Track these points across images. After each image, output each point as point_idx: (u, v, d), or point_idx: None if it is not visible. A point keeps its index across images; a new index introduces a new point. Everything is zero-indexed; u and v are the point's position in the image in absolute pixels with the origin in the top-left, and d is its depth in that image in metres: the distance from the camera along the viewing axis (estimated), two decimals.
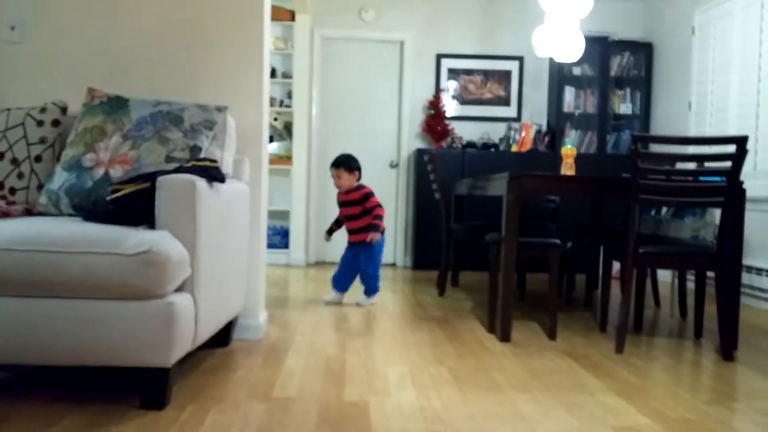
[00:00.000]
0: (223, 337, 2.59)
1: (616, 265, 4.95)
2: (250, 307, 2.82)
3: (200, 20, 2.82)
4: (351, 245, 3.92)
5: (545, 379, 2.36)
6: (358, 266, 3.87)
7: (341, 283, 3.91)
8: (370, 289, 3.88)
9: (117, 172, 2.23)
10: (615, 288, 4.56)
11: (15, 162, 2.35)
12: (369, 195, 3.86)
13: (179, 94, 2.78)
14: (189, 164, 2.20)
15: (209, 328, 2.15)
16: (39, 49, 2.80)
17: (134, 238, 1.81)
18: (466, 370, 2.45)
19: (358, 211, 3.85)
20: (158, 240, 1.81)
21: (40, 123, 2.41)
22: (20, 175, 2.34)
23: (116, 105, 2.39)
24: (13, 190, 2.32)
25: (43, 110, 2.44)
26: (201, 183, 2.01)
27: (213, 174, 2.16)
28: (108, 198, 2.08)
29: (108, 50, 2.80)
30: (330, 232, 4.02)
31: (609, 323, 3.38)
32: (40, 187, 2.34)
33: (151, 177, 2.04)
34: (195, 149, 2.33)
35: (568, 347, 2.90)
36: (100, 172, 2.25)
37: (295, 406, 1.96)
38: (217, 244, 2.20)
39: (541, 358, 2.68)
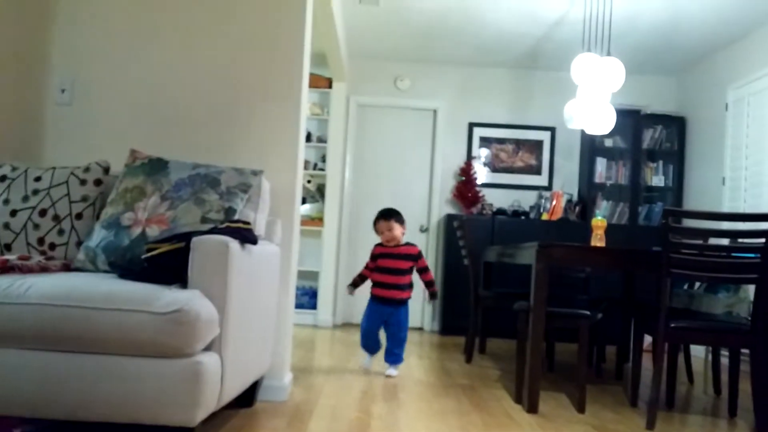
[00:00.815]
0: (247, 397, 2.59)
1: (648, 338, 4.84)
2: (276, 368, 2.83)
3: (241, 86, 2.96)
4: (383, 302, 3.69)
5: None
6: (392, 329, 3.68)
7: (374, 344, 3.74)
8: (400, 358, 3.69)
9: (153, 232, 2.30)
10: (647, 361, 4.44)
11: (57, 219, 2.45)
12: (421, 253, 3.80)
13: (218, 157, 2.89)
14: (223, 225, 2.27)
15: (235, 388, 2.16)
16: (86, 111, 2.96)
17: (166, 296, 1.86)
18: None
19: (408, 266, 3.72)
20: (189, 299, 1.85)
21: (83, 182, 2.52)
22: (61, 232, 2.43)
23: (156, 166, 2.50)
24: (53, 246, 2.41)
25: (86, 170, 2.55)
26: (234, 244, 2.07)
27: (245, 235, 2.22)
28: (143, 256, 2.15)
29: (151, 113, 2.95)
30: (355, 285, 3.84)
31: (640, 398, 3.28)
32: (79, 243, 2.43)
33: (186, 237, 2.11)
34: (230, 211, 2.40)
35: (596, 421, 2.82)
36: (137, 231, 2.33)
37: None
38: (247, 304, 2.24)
39: (568, 431, 2.61)
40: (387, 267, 3.71)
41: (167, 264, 2.11)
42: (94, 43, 2.98)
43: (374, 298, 3.73)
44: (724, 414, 3.17)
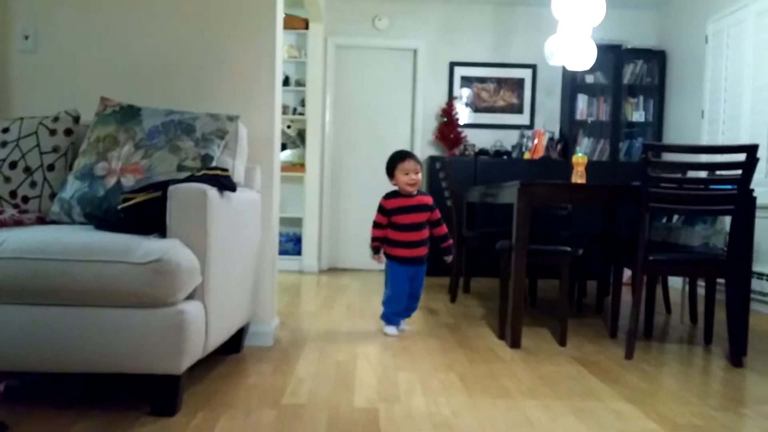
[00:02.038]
0: (234, 343, 2.62)
1: (628, 272, 4.93)
2: (262, 314, 2.85)
3: (212, 30, 2.87)
4: (407, 263, 3.21)
5: (555, 386, 2.36)
6: (415, 287, 3.28)
7: (398, 309, 3.26)
8: (410, 313, 3.38)
9: (129, 181, 2.27)
10: (626, 295, 4.54)
11: (28, 171, 2.40)
12: (433, 202, 3.31)
13: (192, 104, 2.83)
14: (200, 173, 2.24)
15: (220, 335, 2.18)
16: (52, 58, 2.87)
17: (145, 246, 1.84)
18: (476, 377, 2.46)
19: (425, 218, 3.23)
20: (169, 249, 1.84)
21: (53, 132, 2.46)
22: (33, 184, 2.39)
23: (128, 114, 2.44)
24: (26, 199, 2.37)
25: (55, 119, 2.49)
26: (212, 192, 2.04)
27: (224, 183, 2.20)
28: (119, 207, 2.12)
29: (121, 60, 2.86)
30: (378, 250, 3.26)
31: (619, 330, 3.37)
32: (52, 195, 2.39)
33: (163, 186, 2.07)
34: (206, 158, 2.37)
35: (578, 353, 2.90)
36: (111, 181, 2.29)
37: (305, 412, 1.98)
38: (228, 252, 2.24)
39: (550, 365, 2.68)
40: (406, 223, 3.20)
41: (144, 214, 2.08)
42: None
43: (398, 260, 3.21)
44: (699, 342, 3.27)
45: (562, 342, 3.05)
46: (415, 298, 3.31)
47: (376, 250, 3.28)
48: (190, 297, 1.94)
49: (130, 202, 2.12)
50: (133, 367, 1.84)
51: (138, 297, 1.81)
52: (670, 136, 5.92)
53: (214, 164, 2.38)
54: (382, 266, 3.37)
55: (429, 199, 3.28)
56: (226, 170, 2.32)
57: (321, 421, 1.91)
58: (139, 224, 2.06)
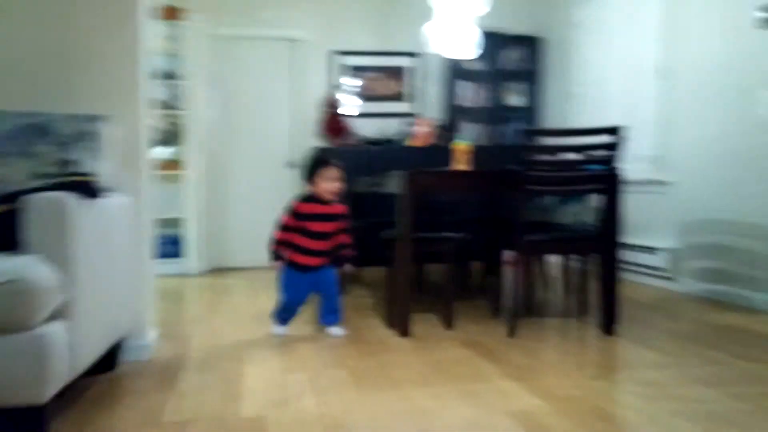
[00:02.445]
0: (108, 361, 2.45)
1: (510, 252, 5.14)
2: (138, 326, 2.69)
3: (69, 23, 2.64)
4: (306, 270, 3.06)
5: (444, 371, 2.41)
6: (324, 290, 3.13)
7: (291, 315, 3.17)
8: (339, 315, 3.18)
9: None
10: (510, 273, 4.73)
11: None
12: (345, 210, 3.16)
13: (48, 104, 2.58)
14: (58, 180, 2.07)
15: (90, 355, 2.03)
16: None
17: None
18: (367, 370, 2.46)
19: (333, 228, 3.09)
20: (22, 267, 1.68)
21: None
22: None
23: None
24: None
25: None
26: (71, 200, 1.89)
27: (85, 188, 2.04)
28: None
29: None
30: (280, 257, 3.06)
31: (503, 309, 3.50)
32: None
33: (13, 197, 1.89)
34: (66, 163, 2.19)
35: (465, 336, 2.98)
36: None
37: (189, 429, 1.89)
38: (97, 263, 2.08)
39: (439, 350, 2.73)
40: (317, 231, 3.04)
41: None
42: None
43: (298, 267, 3.06)
44: (575, 313, 3.46)
45: (449, 326, 3.12)
46: (331, 299, 3.13)
47: (275, 256, 3.04)
48: (51, 318, 1.78)
49: None
50: None
51: None
52: (547, 119, 6.20)
53: (74, 169, 2.21)
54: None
55: (343, 209, 3.12)
56: (88, 175, 2.16)
57: None
58: None
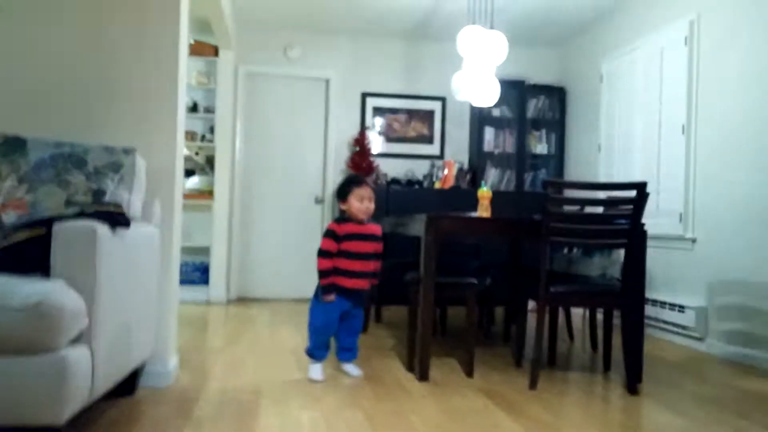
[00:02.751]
0: (128, 385, 2.47)
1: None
2: (160, 353, 2.71)
3: (111, 56, 2.75)
4: (347, 295, 2.96)
5: (460, 420, 2.37)
6: (352, 322, 3.05)
7: (328, 347, 3.02)
8: (357, 351, 3.13)
9: (10, 218, 2.11)
10: (533, 322, 4.66)
11: None
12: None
13: (88, 134, 2.68)
14: (91, 209, 2.12)
15: (110, 379, 2.05)
16: None
17: (25, 289, 1.71)
18: (383, 414, 2.43)
19: (372, 248, 3.03)
20: (51, 291, 1.72)
21: None
22: None
23: (13, 145, 2.28)
24: None
25: None
26: (102, 229, 1.93)
27: (116, 219, 2.09)
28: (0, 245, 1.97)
29: (6, 86, 2.68)
30: (328, 287, 2.92)
31: (525, 358, 3.45)
32: None
33: (48, 223, 1.95)
34: (98, 193, 2.25)
35: (484, 384, 2.93)
36: None
37: None
38: (121, 290, 2.12)
39: (458, 397, 2.69)
40: (356, 252, 2.95)
41: (27, 253, 1.95)
42: None
43: (339, 290, 2.93)
44: (600, 369, 3.39)
45: (470, 373, 3.08)
46: (354, 334, 3.07)
47: (327, 290, 2.90)
48: (75, 341, 1.81)
49: (11, 240, 1.98)
50: (9, 419, 1.69)
51: (16, 343, 1.67)
52: (571, 168, 6.20)
53: (106, 199, 2.26)
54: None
55: (379, 229, 3.07)
56: (119, 205, 2.22)
57: None
58: (20, 264, 1.93)
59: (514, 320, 4.39)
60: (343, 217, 3.03)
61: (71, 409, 1.75)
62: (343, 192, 3.03)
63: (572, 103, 6.23)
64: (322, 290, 2.93)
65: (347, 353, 3.08)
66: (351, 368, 3.05)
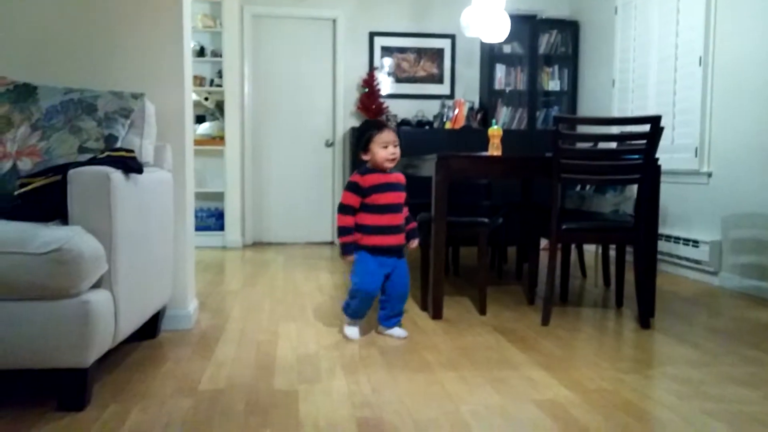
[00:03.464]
0: (150, 329, 2.54)
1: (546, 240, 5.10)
2: (179, 297, 2.77)
3: (114, 1, 2.70)
4: (385, 253, 2.65)
5: (473, 356, 2.42)
6: (397, 285, 2.69)
7: (367, 308, 2.71)
8: (401, 313, 2.78)
9: (25, 165, 2.13)
10: (545, 260, 4.70)
11: None
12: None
13: (93, 80, 2.66)
14: (104, 155, 2.13)
15: (132, 322, 2.10)
16: None
17: (44, 235, 1.74)
18: (398, 351, 2.48)
19: (403, 199, 2.72)
20: (70, 237, 1.74)
21: None
22: None
23: (24, 93, 2.28)
24: None
25: None
26: (116, 174, 1.94)
27: (129, 164, 2.10)
28: (16, 192, 1.99)
29: (14, 34, 2.65)
30: (348, 247, 2.64)
31: (537, 296, 3.49)
32: None
33: (63, 169, 1.96)
34: (110, 138, 2.25)
35: (497, 322, 2.98)
36: (6, 165, 2.14)
37: (222, 398, 1.95)
38: (138, 235, 2.14)
39: (470, 335, 2.74)
40: (386, 203, 2.64)
41: (43, 199, 1.97)
42: None
43: (373, 250, 2.63)
44: (612, 305, 3.43)
45: (482, 311, 3.13)
46: (401, 298, 2.71)
47: (347, 249, 2.62)
48: (96, 286, 1.85)
49: (27, 188, 2.00)
50: (37, 362, 1.75)
51: (38, 289, 1.71)
52: (584, 104, 6.10)
53: (118, 145, 2.27)
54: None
55: (403, 177, 2.75)
56: (131, 151, 2.22)
57: (239, 406, 1.88)
58: (37, 211, 1.95)
59: (527, 258, 4.43)
60: (365, 168, 2.68)
61: (96, 351, 1.80)
62: (364, 140, 2.65)
63: (585, 37, 6.08)
64: (342, 249, 2.65)
65: (394, 319, 2.74)
66: (398, 331, 2.72)
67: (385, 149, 2.63)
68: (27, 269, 1.69)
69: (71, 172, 1.89)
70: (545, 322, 2.93)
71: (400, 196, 2.69)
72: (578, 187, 3.93)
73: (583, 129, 4.19)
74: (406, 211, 2.74)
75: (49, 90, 2.31)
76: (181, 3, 2.75)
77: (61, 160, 2.12)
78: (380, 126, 2.69)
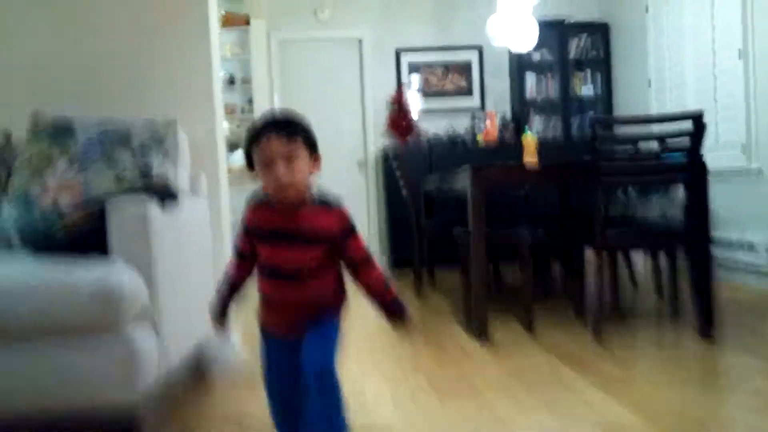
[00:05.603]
0: (193, 361, 2.49)
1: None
2: None
3: (142, 30, 2.71)
4: (282, 343, 1.57)
5: (524, 378, 2.31)
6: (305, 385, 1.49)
7: (295, 419, 1.60)
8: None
9: (65, 200, 2.11)
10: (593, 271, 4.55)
11: None
12: (351, 222, 1.56)
13: (125, 109, 2.65)
14: (140, 185, 2.11)
15: (176, 355, 2.05)
16: None
17: (87, 270, 1.71)
18: (446, 378, 2.39)
19: (317, 255, 1.52)
20: (110, 271, 1.71)
21: None
22: None
23: (61, 128, 2.28)
24: None
25: None
26: (153, 204, 1.91)
27: (165, 193, 2.07)
28: (57, 228, 1.98)
29: (49, 70, 2.68)
30: (223, 311, 1.64)
31: (588, 310, 3.36)
32: None
33: (101, 202, 1.94)
34: (145, 168, 2.23)
35: (547, 341, 2.86)
36: (47, 201, 2.13)
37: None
38: (177, 266, 2.11)
39: (520, 356, 2.63)
40: (271, 266, 1.54)
41: (84, 233, 1.96)
42: None
43: (264, 333, 1.64)
44: (667, 315, 3.27)
45: (530, 330, 3.01)
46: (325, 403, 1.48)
47: (217, 312, 1.63)
48: (137, 320, 1.81)
49: (68, 222, 1.99)
50: (83, 402, 1.71)
51: (82, 326, 1.68)
52: (620, 108, 5.96)
53: (153, 174, 2.25)
54: None
55: (337, 216, 1.53)
56: (166, 179, 2.20)
57: None
58: (79, 246, 1.93)
59: (572, 271, 4.29)
60: (261, 196, 1.56)
61: (141, 387, 1.75)
62: (248, 155, 1.54)
63: (617, 38, 5.95)
64: (211, 313, 1.65)
65: None
66: None
67: (267, 173, 1.46)
68: (69, 305, 1.66)
69: (109, 204, 1.88)
70: (598, 338, 2.80)
71: (306, 253, 1.50)
72: (621, 192, 3.79)
73: (621, 131, 4.07)
74: (376, 273, 1.54)
75: (85, 124, 2.31)
76: (209, 32, 2.75)
77: (99, 193, 2.11)
78: (260, 132, 1.49)
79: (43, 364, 1.69)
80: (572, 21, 6.04)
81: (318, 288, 1.53)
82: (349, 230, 1.52)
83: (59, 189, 2.16)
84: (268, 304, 1.59)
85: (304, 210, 1.51)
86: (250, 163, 1.54)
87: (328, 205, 1.54)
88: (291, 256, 1.51)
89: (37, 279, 1.71)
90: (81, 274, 1.70)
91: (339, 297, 1.59)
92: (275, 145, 1.48)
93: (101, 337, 1.70)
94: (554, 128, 6.08)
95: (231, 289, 1.63)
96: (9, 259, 1.90)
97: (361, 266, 1.53)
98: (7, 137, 2.39)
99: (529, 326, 3.01)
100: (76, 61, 2.69)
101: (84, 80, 2.68)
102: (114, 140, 2.26)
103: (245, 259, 1.59)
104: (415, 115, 6.13)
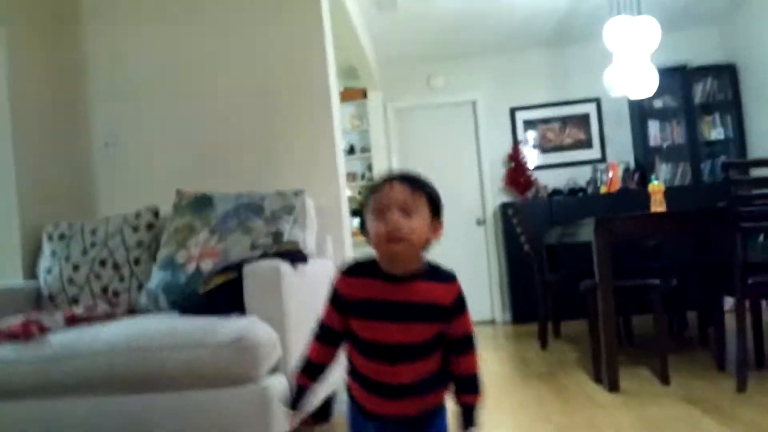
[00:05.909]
0: (323, 412, 2.62)
1: (730, 299, 4.61)
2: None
3: (273, 112, 3.02)
4: (375, 420, 1.32)
5: (661, 429, 2.20)
6: None
7: None
8: None
9: (207, 266, 2.36)
10: (732, 323, 4.23)
11: (116, 267, 2.55)
12: (463, 297, 1.33)
13: (260, 181, 2.95)
14: (272, 250, 2.31)
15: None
16: (130, 158, 3.10)
17: (227, 326, 1.90)
18: (575, 427, 2.33)
19: (429, 334, 1.28)
20: (248, 326, 1.89)
21: (135, 228, 2.62)
22: (121, 279, 2.53)
23: (202, 202, 2.56)
24: (116, 293, 2.51)
25: (137, 216, 2.65)
26: (284, 266, 2.09)
27: (295, 256, 2.25)
28: (200, 291, 2.21)
29: (189, 152, 3.05)
30: (301, 394, 1.38)
31: (728, 361, 3.13)
32: (140, 287, 2.52)
33: (238, 266, 2.15)
34: (277, 234, 2.44)
35: (684, 391, 2.70)
36: (191, 267, 2.39)
37: None
38: (306, 322, 2.26)
39: (655, 406, 2.51)
40: (372, 342, 1.28)
41: (224, 295, 2.16)
42: (129, 105, 3.11)
43: (356, 405, 1.36)
44: None
45: (665, 380, 2.86)
46: None
47: (298, 394, 1.39)
48: (273, 371, 1.97)
49: (210, 286, 2.20)
50: None
51: (223, 376, 1.86)
52: (755, 150, 5.60)
53: (285, 239, 2.45)
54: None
55: (449, 289, 1.32)
56: (296, 243, 2.39)
57: None
58: (219, 306, 2.14)
59: (710, 322, 4.02)
60: (358, 263, 1.35)
61: (275, 430, 1.89)
62: (360, 214, 1.36)
63: (746, 78, 5.66)
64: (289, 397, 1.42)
65: None
66: None
67: (379, 220, 1.25)
68: (213, 359, 1.85)
69: (246, 268, 2.08)
70: (741, 388, 2.61)
71: (415, 330, 1.27)
72: (761, 238, 3.56)
73: (756, 173, 3.84)
74: (472, 361, 1.33)
75: (223, 197, 2.58)
76: (330, 107, 3.00)
77: (236, 258, 2.33)
78: (381, 181, 1.29)
79: (186, 411, 1.88)
80: (694, 65, 5.84)
81: (423, 366, 1.29)
82: (461, 305, 1.31)
83: (201, 256, 2.42)
84: (362, 381, 1.31)
85: (418, 281, 1.29)
86: (363, 225, 1.32)
87: (444, 279, 1.33)
88: (401, 328, 1.26)
89: (184, 334, 1.91)
90: (223, 329, 1.89)
91: (442, 377, 1.33)
92: (396, 191, 1.25)
93: (239, 387, 1.86)
94: (683, 175, 5.81)
95: (311, 377, 1.37)
96: (159, 318, 2.14)
97: (463, 345, 1.31)
98: (156, 213, 2.71)
99: (663, 376, 2.86)
100: (213, 141, 3.04)
101: (221, 159, 3.03)
102: (249, 210, 2.50)
103: (331, 338, 1.34)
104: (532, 171, 6.12)
